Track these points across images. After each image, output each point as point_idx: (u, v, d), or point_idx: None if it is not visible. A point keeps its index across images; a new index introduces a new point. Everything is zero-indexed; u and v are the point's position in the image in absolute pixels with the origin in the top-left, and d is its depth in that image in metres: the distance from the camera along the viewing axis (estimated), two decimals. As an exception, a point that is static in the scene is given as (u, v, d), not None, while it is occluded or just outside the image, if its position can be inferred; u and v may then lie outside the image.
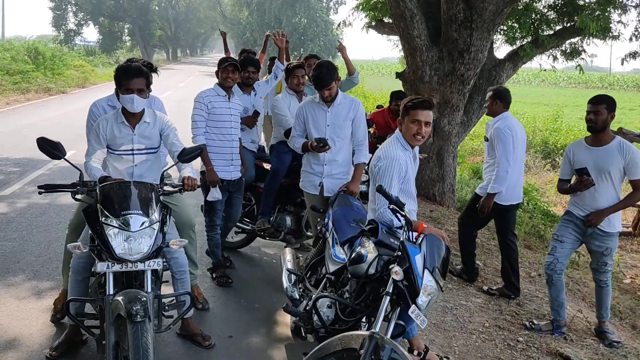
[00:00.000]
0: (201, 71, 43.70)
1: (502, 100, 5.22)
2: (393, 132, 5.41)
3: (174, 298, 3.33)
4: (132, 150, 3.54)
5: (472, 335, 4.37)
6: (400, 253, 2.84)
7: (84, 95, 22.33)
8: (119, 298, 2.73)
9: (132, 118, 3.51)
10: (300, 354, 3.63)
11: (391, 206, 2.96)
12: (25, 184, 7.84)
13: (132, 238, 2.88)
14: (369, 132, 6.66)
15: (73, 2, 51.44)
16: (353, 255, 3.09)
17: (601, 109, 4.25)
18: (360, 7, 9.94)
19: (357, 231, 3.45)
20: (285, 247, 5.30)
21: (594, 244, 4.48)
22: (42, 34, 73.90)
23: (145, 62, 3.85)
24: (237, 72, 4.69)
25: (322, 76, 4.25)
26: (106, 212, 2.91)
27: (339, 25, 10.76)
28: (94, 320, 3.35)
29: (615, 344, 4.52)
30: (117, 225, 2.88)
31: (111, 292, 2.87)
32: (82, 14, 51.90)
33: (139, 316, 2.61)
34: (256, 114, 5.30)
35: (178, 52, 75.83)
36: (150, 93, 3.73)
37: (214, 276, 4.89)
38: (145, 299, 2.72)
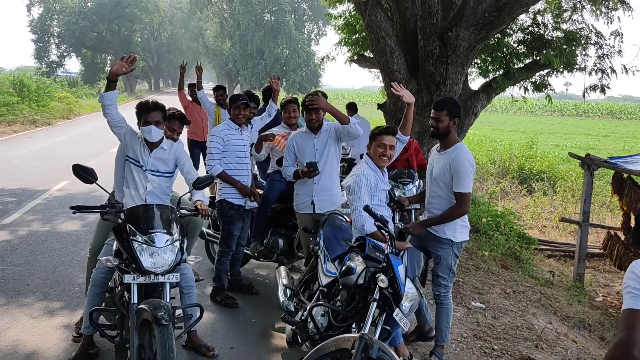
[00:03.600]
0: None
1: None
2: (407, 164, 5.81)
3: (181, 312, 3.71)
4: (146, 169, 3.96)
5: (451, 344, 4.77)
6: (385, 264, 3.27)
7: (69, 126, 22.66)
8: (144, 306, 3.12)
9: (152, 144, 3.94)
10: (296, 361, 4.01)
11: (377, 223, 3.40)
12: (23, 213, 8.14)
13: (156, 253, 3.30)
14: None
15: (55, 34, 52.00)
16: (344, 269, 3.50)
17: (442, 115, 4.05)
18: (343, 42, 10.50)
19: (346, 248, 3.87)
20: (279, 266, 5.72)
21: (430, 249, 4.24)
22: (22, 65, 74.15)
23: (177, 112, 4.42)
24: (248, 108, 5.25)
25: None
26: (134, 230, 3.31)
27: (322, 59, 11.32)
28: (108, 330, 3.71)
29: None
30: (144, 242, 3.29)
31: (135, 300, 3.26)
32: (65, 45, 52.43)
33: (163, 320, 3.01)
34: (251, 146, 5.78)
35: (160, 83, 76.47)
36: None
37: (219, 299, 5.23)
38: (167, 306, 3.12)
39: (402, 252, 3.32)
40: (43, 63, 51.11)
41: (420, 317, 4.58)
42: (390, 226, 3.51)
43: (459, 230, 4.14)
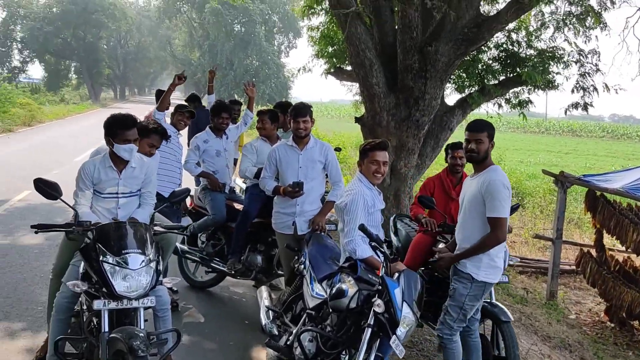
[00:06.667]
0: (150, 111, 43.47)
1: None
2: (456, 202, 4.68)
3: (155, 336, 3.43)
4: (117, 193, 3.68)
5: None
6: (380, 287, 3.08)
7: (31, 133, 21.90)
8: (117, 335, 2.85)
9: (120, 163, 3.67)
10: (279, 388, 3.77)
11: (372, 243, 3.22)
12: (-18, 224, 7.69)
13: (130, 276, 3.02)
14: (424, 216, 4.92)
15: (19, 39, 50.64)
16: (334, 291, 3.30)
17: (483, 137, 3.69)
18: (319, 54, 10.38)
19: (334, 268, 3.68)
20: (254, 285, 5.52)
21: (451, 280, 3.83)
22: (-17, 70, 71.88)
23: (159, 126, 4.23)
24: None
25: (299, 107, 4.64)
26: (105, 251, 3.04)
27: (298, 70, 11.16)
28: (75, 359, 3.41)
29: None
30: (116, 263, 3.01)
31: (106, 329, 2.97)
32: (28, 51, 51.08)
33: (140, 351, 2.75)
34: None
35: (126, 91, 75.19)
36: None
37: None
38: (143, 334, 2.85)
39: (398, 274, 3.15)
40: (5, 69, 49.68)
41: None
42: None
43: (483, 268, 3.64)
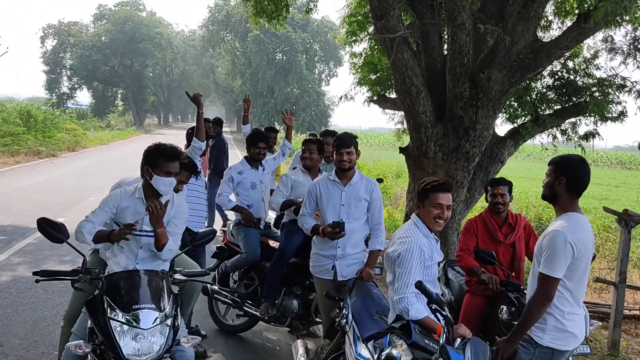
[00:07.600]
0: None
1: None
2: (503, 245, 4.35)
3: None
4: (140, 230, 3.25)
5: None
6: (440, 358, 2.54)
7: (73, 158, 22.18)
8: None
9: (152, 196, 3.25)
10: None
11: (433, 306, 2.68)
12: (11, 254, 7.44)
13: (142, 336, 2.57)
14: (480, 275, 4.17)
15: (68, 66, 52.34)
16: (383, 357, 2.78)
17: (549, 171, 3.18)
18: (362, 82, 10.00)
19: (381, 325, 3.16)
20: (290, 331, 5.03)
21: None
22: (33, 95, 74.68)
23: (188, 161, 3.93)
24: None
25: (344, 137, 4.18)
26: (113, 306, 2.60)
27: (340, 98, 10.76)
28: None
29: None
30: (125, 322, 2.57)
31: (112, 399, 2.52)
32: (77, 78, 52.70)
33: None
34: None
35: (169, 117, 76.75)
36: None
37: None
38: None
39: (463, 343, 2.61)
40: (54, 94, 51.32)
41: None
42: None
43: (549, 331, 3.02)
